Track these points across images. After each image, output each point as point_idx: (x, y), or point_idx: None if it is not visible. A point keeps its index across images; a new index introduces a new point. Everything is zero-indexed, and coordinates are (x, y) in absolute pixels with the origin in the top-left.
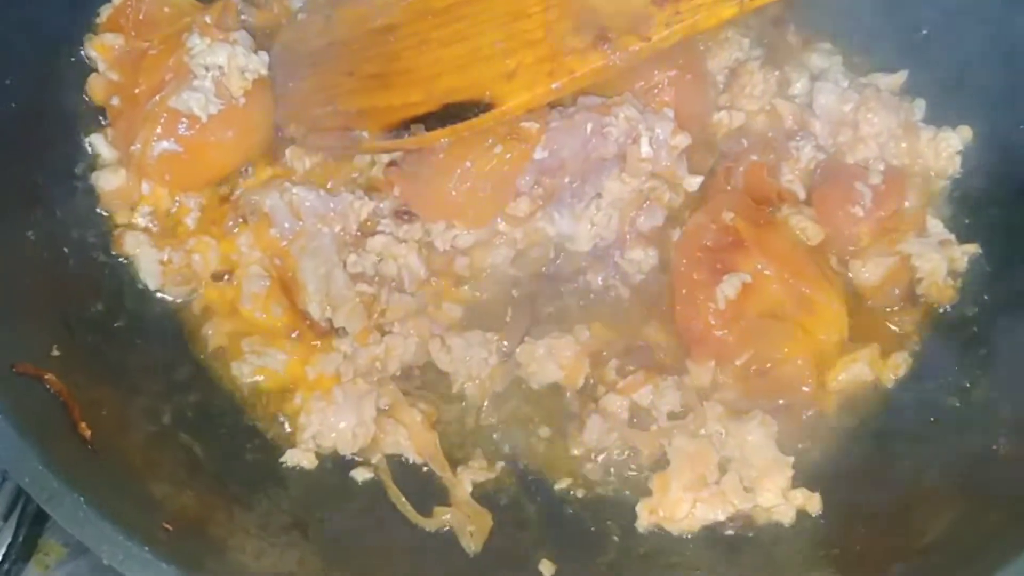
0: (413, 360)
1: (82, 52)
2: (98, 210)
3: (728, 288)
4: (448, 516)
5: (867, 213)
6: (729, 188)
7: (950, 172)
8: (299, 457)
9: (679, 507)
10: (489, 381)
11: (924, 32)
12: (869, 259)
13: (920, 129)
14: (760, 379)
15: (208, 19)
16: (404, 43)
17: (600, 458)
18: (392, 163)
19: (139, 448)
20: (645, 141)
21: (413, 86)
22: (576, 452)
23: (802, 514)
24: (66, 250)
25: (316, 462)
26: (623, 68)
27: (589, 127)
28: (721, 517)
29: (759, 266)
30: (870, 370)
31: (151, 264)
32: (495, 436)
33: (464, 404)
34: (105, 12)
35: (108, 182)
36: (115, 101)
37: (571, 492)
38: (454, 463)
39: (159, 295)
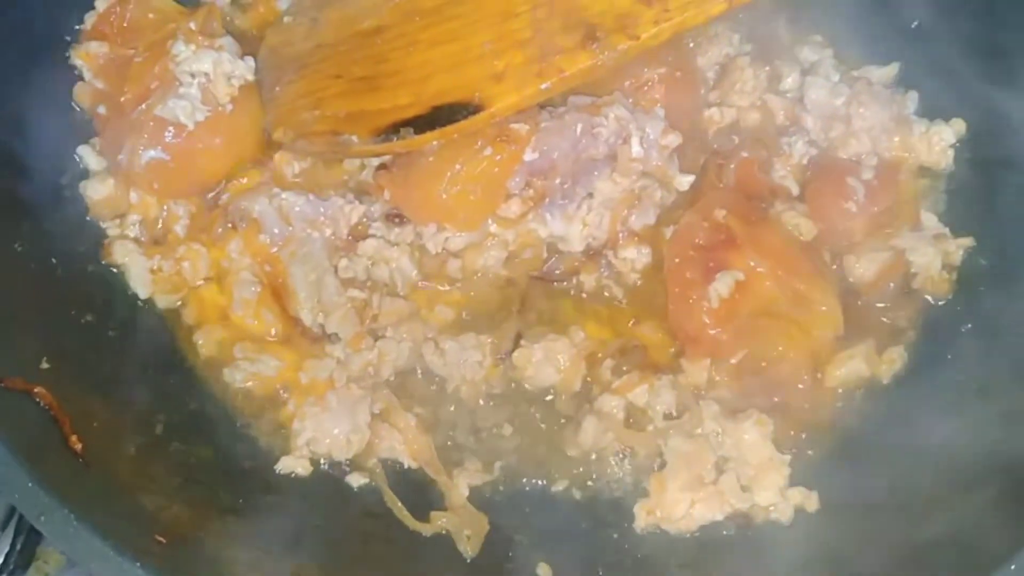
0: (406, 364)
1: (68, 61)
2: (87, 220)
3: (721, 286)
4: (444, 521)
5: (860, 208)
6: (721, 185)
7: (943, 165)
8: (293, 464)
9: (677, 507)
10: (485, 384)
11: (916, 23)
12: (863, 254)
13: (913, 122)
14: (755, 377)
15: (193, 25)
16: (392, 44)
17: (596, 460)
18: (382, 166)
19: (131, 459)
20: (636, 141)
21: (402, 88)
22: (572, 454)
23: (800, 512)
24: (54, 261)
25: (311, 469)
26: (612, 67)
27: (579, 128)
28: (719, 517)
29: (752, 263)
30: (866, 366)
31: (141, 273)
32: (491, 439)
33: (459, 407)
34: (90, 20)
35: (96, 191)
36: (102, 110)
37: (568, 494)
38: (450, 467)
39: (150, 304)
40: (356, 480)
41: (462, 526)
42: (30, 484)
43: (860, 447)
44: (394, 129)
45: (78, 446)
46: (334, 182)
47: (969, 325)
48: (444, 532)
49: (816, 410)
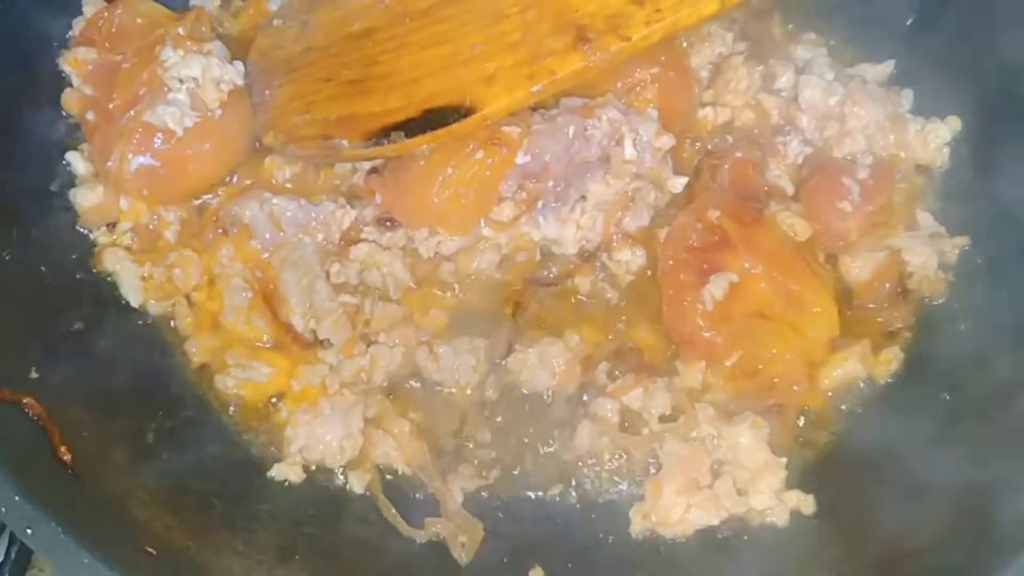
0: (400, 370)
1: (57, 67)
2: (76, 227)
3: (715, 288)
4: (439, 527)
5: (855, 208)
6: (715, 186)
7: (939, 164)
8: (286, 471)
9: (673, 511)
10: (479, 389)
11: (910, 21)
12: (859, 254)
13: (908, 120)
14: (751, 379)
15: (181, 30)
16: (382, 47)
17: (592, 463)
18: (374, 170)
19: (122, 470)
20: (629, 143)
21: (392, 91)
22: (567, 458)
23: (796, 515)
24: (44, 269)
25: (304, 476)
26: (604, 69)
27: (571, 130)
28: (715, 521)
29: (746, 265)
30: (862, 367)
31: (132, 280)
32: (486, 444)
33: (453, 412)
34: (78, 26)
35: (86, 199)
36: (90, 116)
37: (563, 499)
38: (444, 472)
39: (141, 311)
40: (349, 487)
41: (456, 532)
42: (17, 497)
43: (856, 448)
44: (385, 133)
45: (67, 457)
46: (325, 186)
47: (964, 325)
48: (438, 538)
49: (812, 411)
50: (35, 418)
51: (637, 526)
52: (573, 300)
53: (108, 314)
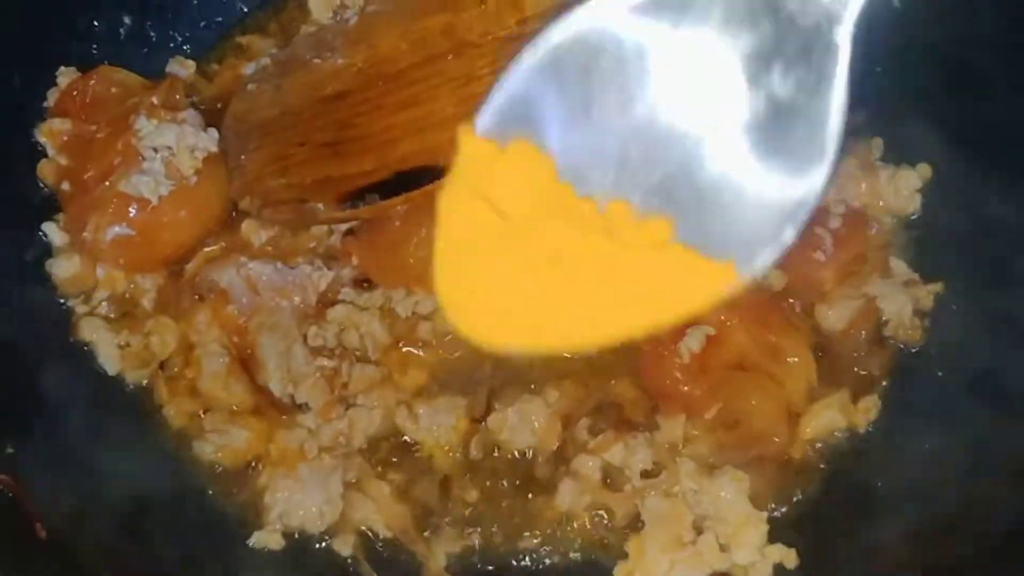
0: (379, 431)
1: (32, 137)
2: (53, 297)
3: (692, 342)
4: None
5: (829, 257)
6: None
7: (910, 210)
8: (266, 539)
9: (656, 569)
10: (462, 449)
11: (879, 69)
12: (834, 303)
13: (879, 169)
14: (731, 432)
15: (155, 100)
16: (356, 110)
17: (574, 522)
18: (350, 232)
19: (99, 544)
20: None
21: (366, 153)
22: (550, 517)
23: (779, 570)
24: (19, 341)
25: (283, 542)
26: None
27: None
28: None
29: (722, 317)
30: (842, 416)
31: (109, 349)
32: (468, 505)
33: (434, 474)
34: (52, 96)
35: (62, 269)
36: (66, 186)
37: (547, 559)
38: (427, 535)
39: (118, 380)
40: (330, 553)
41: None
42: None
43: (838, 499)
44: (360, 195)
45: (43, 534)
46: (302, 249)
47: (942, 371)
48: None
49: (793, 462)
50: (10, 495)
51: None
52: (552, 355)
53: (85, 385)
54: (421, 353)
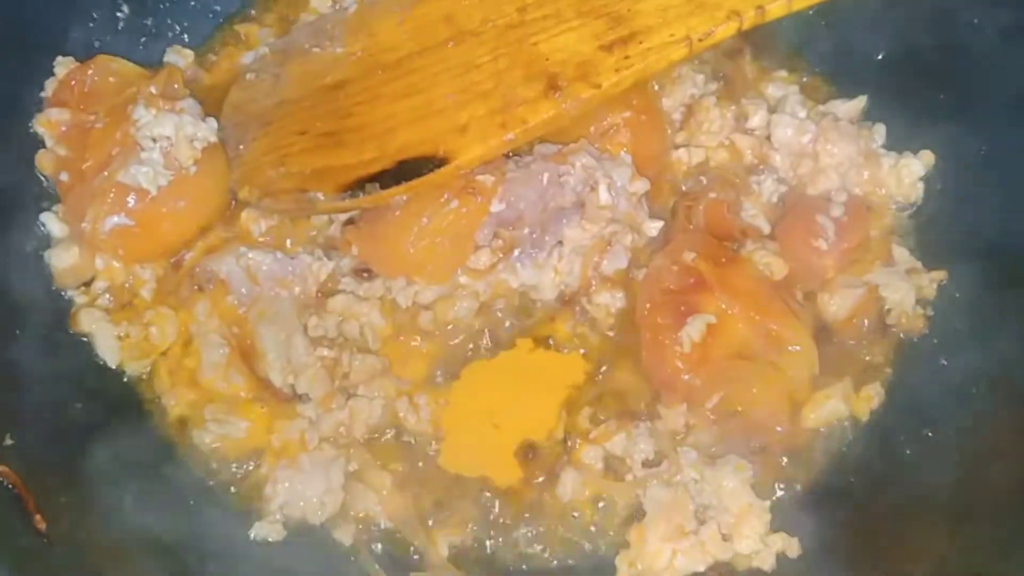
0: (379, 422)
1: (30, 128)
2: (52, 288)
3: (693, 331)
4: None
5: (831, 246)
6: (691, 227)
7: (913, 199)
8: (267, 529)
9: (658, 559)
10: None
11: (880, 56)
12: (836, 292)
13: (881, 156)
14: (733, 421)
15: (154, 89)
16: (355, 99)
17: (576, 512)
18: (350, 221)
19: (99, 536)
20: (603, 188)
21: (366, 143)
22: (552, 507)
23: (782, 559)
24: (18, 332)
25: (284, 533)
26: (576, 116)
27: (546, 177)
28: (701, 567)
29: (723, 306)
30: (844, 405)
31: (108, 340)
32: (472, 494)
33: (436, 464)
34: (50, 87)
35: (61, 260)
36: (64, 177)
37: (549, 548)
38: (428, 525)
39: (118, 371)
40: (331, 543)
41: None
42: None
43: (840, 487)
44: (360, 184)
45: (42, 525)
46: (302, 239)
47: (945, 360)
48: None
49: (795, 452)
50: (10, 486)
51: (623, 574)
52: (554, 345)
53: (85, 376)
54: (422, 343)
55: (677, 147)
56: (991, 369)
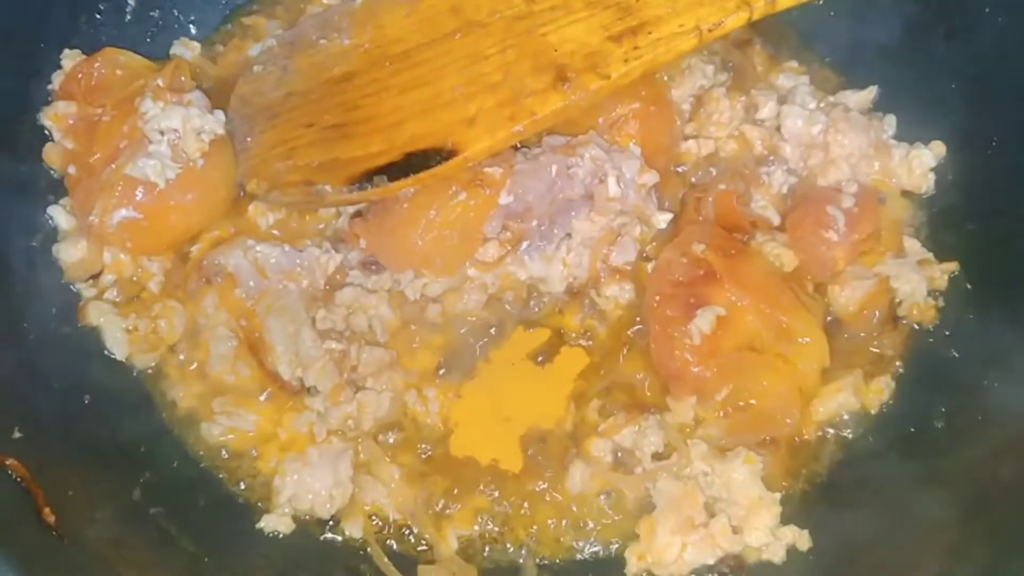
0: (388, 415)
1: (37, 122)
2: (60, 281)
3: (702, 323)
4: (432, 575)
5: (842, 237)
6: (700, 219)
7: (924, 189)
8: (276, 523)
9: (668, 552)
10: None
11: (891, 46)
12: (847, 283)
13: (892, 147)
14: (742, 414)
15: (161, 82)
16: (363, 91)
17: (586, 504)
18: (357, 214)
19: (108, 529)
20: (612, 180)
21: (374, 135)
22: (562, 500)
23: (792, 551)
24: (26, 325)
25: (293, 526)
26: (584, 107)
27: (554, 169)
28: (711, 560)
29: (733, 298)
30: (855, 398)
31: (116, 333)
32: (481, 486)
33: (446, 454)
34: (57, 80)
35: (69, 253)
36: (72, 170)
37: (558, 541)
38: (438, 518)
39: (127, 364)
40: (340, 536)
41: None
42: None
43: (851, 480)
44: (368, 177)
45: (52, 519)
46: (310, 231)
47: (956, 352)
48: None
49: (806, 444)
50: (18, 480)
51: (633, 567)
52: (563, 337)
53: (93, 368)
54: (430, 335)
55: (686, 138)
56: (1002, 361)
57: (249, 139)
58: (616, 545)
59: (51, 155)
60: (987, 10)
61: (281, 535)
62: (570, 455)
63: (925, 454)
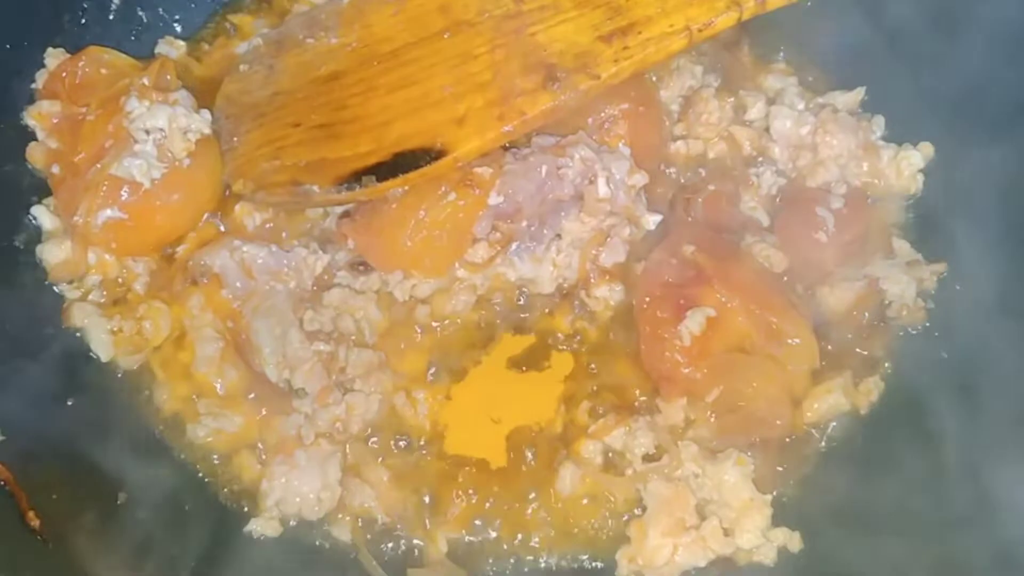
0: (377, 417)
1: (21, 120)
2: (44, 283)
3: (692, 324)
4: None
5: (831, 238)
6: (689, 220)
7: (913, 190)
8: (263, 526)
9: (659, 554)
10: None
11: (880, 47)
12: (836, 285)
13: (880, 148)
14: (733, 415)
15: (146, 81)
16: (351, 90)
17: (576, 507)
18: (345, 214)
19: (92, 533)
20: (602, 181)
21: (362, 135)
22: (552, 502)
23: (784, 553)
24: (9, 327)
25: (281, 530)
26: (574, 107)
27: (544, 169)
28: (702, 563)
29: (723, 299)
30: (845, 399)
31: (101, 335)
32: (471, 490)
33: (435, 457)
34: (41, 79)
35: (53, 254)
36: (56, 169)
37: (549, 543)
38: (427, 520)
39: (111, 366)
40: (328, 539)
41: None
42: None
43: (842, 481)
44: (356, 177)
45: (35, 523)
46: (297, 232)
47: (945, 352)
48: None
49: (796, 445)
50: (1, 483)
51: (623, 570)
52: (552, 339)
53: (77, 371)
54: (419, 337)
55: (675, 139)
56: (991, 362)
57: (236, 139)
58: (607, 547)
59: (35, 154)
60: (976, 11)
61: (268, 539)
62: (560, 457)
63: (916, 455)
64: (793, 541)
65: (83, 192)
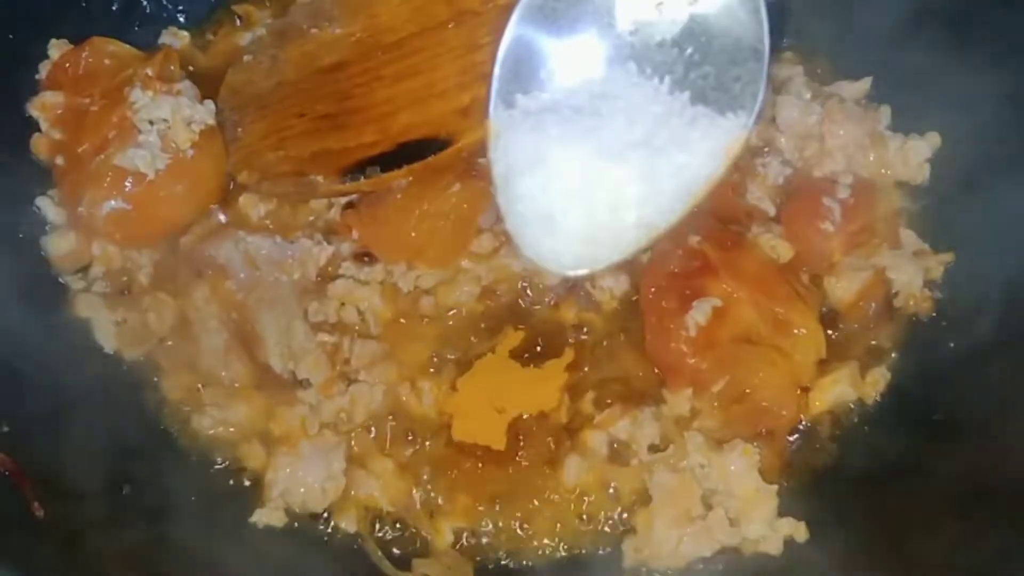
0: (381, 408)
1: (24, 111)
2: (49, 273)
3: (698, 314)
4: (427, 568)
5: (837, 228)
6: (695, 210)
7: (920, 180)
8: (268, 516)
9: (664, 545)
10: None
11: (886, 36)
12: (843, 275)
13: (887, 138)
14: (739, 406)
15: (150, 71)
16: (355, 81)
17: (581, 497)
18: (350, 205)
19: (97, 524)
20: None
21: (367, 125)
22: (557, 492)
23: (790, 543)
24: (15, 318)
25: (286, 520)
26: None
27: None
28: (707, 553)
29: (729, 289)
30: (852, 389)
31: (106, 326)
32: (476, 481)
33: (440, 449)
34: (44, 69)
35: (57, 246)
36: (60, 160)
37: (554, 533)
38: (433, 511)
39: (116, 357)
40: (333, 530)
41: (445, 573)
42: None
43: (847, 472)
44: (360, 168)
45: (40, 513)
46: (301, 223)
47: (953, 343)
48: None
49: (802, 436)
50: (6, 474)
51: (629, 560)
52: (558, 329)
53: (81, 362)
54: (423, 327)
55: None
56: (999, 352)
57: (240, 129)
58: (612, 537)
59: (38, 146)
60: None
61: (273, 529)
62: (565, 447)
63: (923, 446)
64: (799, 531)
65: (87, 183)
